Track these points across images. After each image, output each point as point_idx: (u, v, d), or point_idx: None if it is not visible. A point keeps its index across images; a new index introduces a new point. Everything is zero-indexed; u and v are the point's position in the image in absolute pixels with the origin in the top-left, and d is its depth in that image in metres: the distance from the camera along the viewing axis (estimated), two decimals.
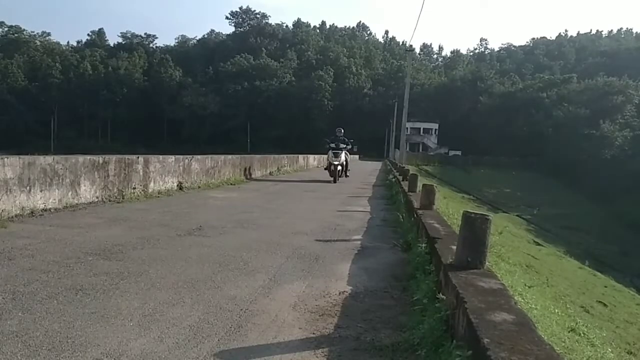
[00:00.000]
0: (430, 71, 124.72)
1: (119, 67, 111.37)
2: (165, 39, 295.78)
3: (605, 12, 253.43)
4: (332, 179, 18.28)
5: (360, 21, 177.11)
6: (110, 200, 9.42)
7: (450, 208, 14.90)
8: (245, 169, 17.75)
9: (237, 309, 3.72)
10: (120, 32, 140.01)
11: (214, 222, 7.67)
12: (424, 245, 5.23)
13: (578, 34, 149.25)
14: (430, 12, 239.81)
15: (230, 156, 16.78)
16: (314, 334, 3.33)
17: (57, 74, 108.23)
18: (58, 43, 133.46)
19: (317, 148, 33.42)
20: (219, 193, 12.62)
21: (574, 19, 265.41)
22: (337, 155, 18.53)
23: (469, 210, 3.70)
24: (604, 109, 78.89)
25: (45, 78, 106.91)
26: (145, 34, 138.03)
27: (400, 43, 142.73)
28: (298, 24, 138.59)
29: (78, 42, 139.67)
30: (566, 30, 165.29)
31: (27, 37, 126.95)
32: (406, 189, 11.55)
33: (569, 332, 6.55)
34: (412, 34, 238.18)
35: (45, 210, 7.70)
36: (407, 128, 50.88)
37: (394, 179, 18.69)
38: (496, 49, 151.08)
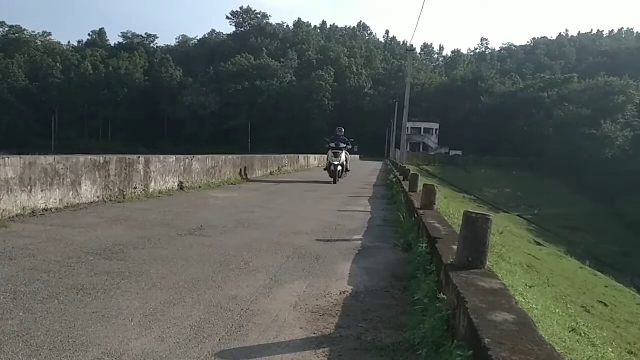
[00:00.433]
0: (431, 71, 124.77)
1: (120, 67, 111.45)
2: (166, 38, 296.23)
3: (606, 12, 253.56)
4: (331, 179, 17.78)
5: (360, 21, 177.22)
6: (111, 200, 9.43)
7: (450, 208, 14.89)
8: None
9: (238, 308, 3.72)
10: (121, 32, 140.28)
11: (214, 222, 7.68)
12: (424, 244, 5.23)
13: (579, 33, 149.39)
14: (431, 12, 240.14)
15: (230, 156, 16.78)
16: (314, 333, 3.33)
17: (57, 73, 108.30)
18: (59, 43, 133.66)
19: (317, 148, 33.45)
20: (220, 193, 12.62)
21: (574, 18, 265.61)
22: (336, 155, 17.96)
23: (470, 210, 3.70)
24: (604, 109, 78.85)
25: (46, 78, 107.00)
26: (145, 33, 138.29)
27: (401, 42, 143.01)
28: (298, 23, 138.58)
29: (79, 41, 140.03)
30: (567, 30, 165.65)
31: (27, 36, 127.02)
32: (407, 188, 11.55)
33: (569, 331, 6.55)
34: (412, 34, 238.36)
35: (46, 209, 7.71)
36: (407, 128, 50.87)
37: (394, 179, 18.69)
38: (497, 48, 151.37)
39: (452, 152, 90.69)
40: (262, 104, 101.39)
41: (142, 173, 10.76)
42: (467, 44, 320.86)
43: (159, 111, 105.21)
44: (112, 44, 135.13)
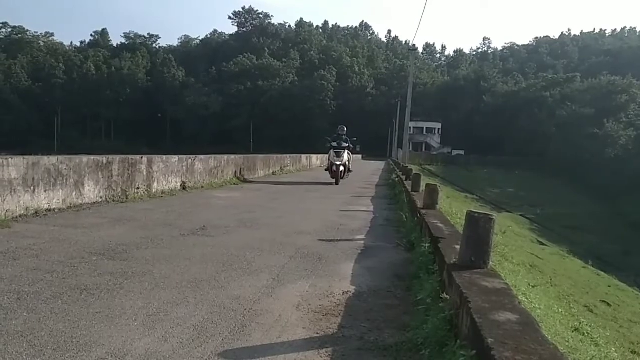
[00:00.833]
0: (434, 71, 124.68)
1: (122, 68, 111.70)
2: (168, 39, 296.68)
3: (609, 11, 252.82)
4: (333, 180, 17.16)
5: (363, 21, 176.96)
6: (114, 200, 9.44)
7: (453, 208, 14.86)
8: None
9: (241, 308, 3.73)
10: (124, 33, 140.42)
11: (217, 222, 7.69)
12: (427, 245, 5.23)
13: (581, 33, 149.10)
14: (433, 12, 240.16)
15: (233, 156, 16.79)
16: (317, 333, 3.33)
17: (60, 74, 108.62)
18: (61, 43, 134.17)
19: (319, 148, 33.45)
20: (222, 193, 12.64)
21: (577, 18, 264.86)
22: (339, 155, 17.21)
23: (473, 210, 3.70)
24: (607, 108, 78.66)
25: (49, 78, 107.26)
26: (148, 34, 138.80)
27: (403, 42, 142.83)
28: (301, 23, 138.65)
29: (81, 42, 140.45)
30: (569, 30, 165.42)
31: (30, 37, 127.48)
32: (409, 188, 11.55)
33: (572, 331, 6.54)
34: (415, 34, 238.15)
35: (50, 210, 7.72)
36: (410, 127, 50.84)
37: (397, 179, 18.66)
38: (499, 48, 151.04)
39: (455, 152, 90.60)
40: (264, 104, 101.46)
41: (145, 173, 10.78)
42: (469, 44, 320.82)
43: (161, 111, 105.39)
44: (115, 45, 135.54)
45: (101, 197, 9.20)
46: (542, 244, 29.91)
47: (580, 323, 7.35)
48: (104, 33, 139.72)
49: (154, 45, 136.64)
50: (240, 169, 16.72)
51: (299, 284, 4.48)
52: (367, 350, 3.09)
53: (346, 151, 17.54)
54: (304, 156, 29.24)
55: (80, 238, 5.96)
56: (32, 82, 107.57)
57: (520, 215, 49.01)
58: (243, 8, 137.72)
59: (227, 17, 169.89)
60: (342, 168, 17.41)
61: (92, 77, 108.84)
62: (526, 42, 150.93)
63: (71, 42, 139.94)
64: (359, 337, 3.31)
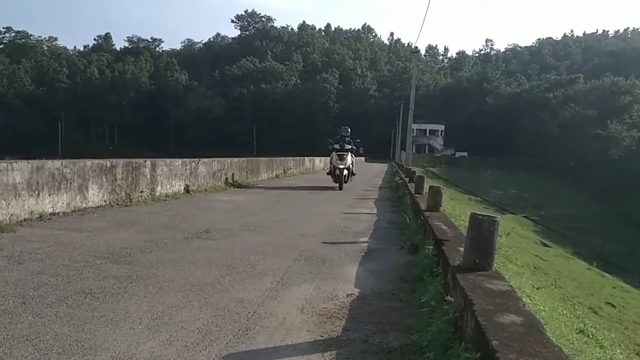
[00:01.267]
0: (436, 72, 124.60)
1: (126, 71, 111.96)
2: (171, 43, 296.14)
3: (612, 12, 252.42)
4: (336, 184, 16.19)
5: (365, 23, 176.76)
6: (118, 204, 9.46)
7: (457, 210, 14.86)
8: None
9: (245, 311, 3.73)
10: (127, 37, 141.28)
11: (221, 225, 7.69)
12: (431, 247, 5.23)
13: (584, 34, 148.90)
14: (436, 14, 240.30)
15: (236, 159, 16.82)
16: (322, 336, 3.33)
17: (64, 78, 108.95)
18: (65, 48, 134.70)
19: (322, 150, 33.49)
20: (226, 196, 12.65)
21: (579, 19, 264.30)
22: (341, 158, 16.15)
23: (476, 212, 3.70)
24: (611, 109, 78.55)
25: (53, 82, 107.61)
26: (151, 38, 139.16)
27: (406, 45, 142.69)
28: (303, 26, 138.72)
29: (85, 46, 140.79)
30: (572, 31, 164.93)
31: (34, 42, 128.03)
32: (413, 190, 11.55)
33: (577, 333, 6.52)
34: (417, 36, 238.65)
35: (54, 214, 7.75)
36: (413, 129, 50.86)
37: (400, 181, 18.65)
38: (502, 49, 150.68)
39: (458, 154, 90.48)
40: (267, 107, 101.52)
41: (148, 177, 10.80)
42: (472, 46, 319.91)
43: (164, 115, 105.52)
44: (118, 49, 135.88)
45: (105, 201, 9.22)
46: (546, 245, 29.83)
47: (585, 325, 7.32)
48: (107, 37, 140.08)
49: (157, 49, 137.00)
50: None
51: (302, 287, 4.48)
52: (371, 353, 3.09)
53: (349, 154, 16.53)
54: (307, 159, 29.27)
55: (85, 242, 5.97)
56: (36, 87, 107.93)
57: (524, 216, 48.90)
58: (245, 11, 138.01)
59: (230, 20, 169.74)
60: (345, 172, 16.35)
61: (96, 81, 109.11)
62: (529, 44, 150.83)
63: (74, 47, 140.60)
64: (363, 339, 3.30)
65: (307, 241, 6.75)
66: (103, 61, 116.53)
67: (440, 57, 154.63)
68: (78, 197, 8.49)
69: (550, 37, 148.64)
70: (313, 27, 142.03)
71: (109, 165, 9.42)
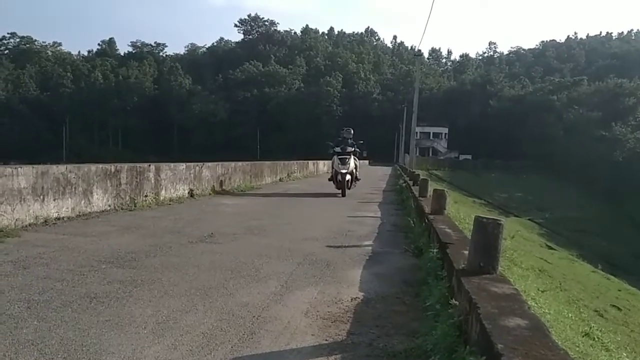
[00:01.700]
0: (440, 75, 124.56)
1: (130, 76, 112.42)
2: (175, 47, 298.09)
3: (615, 14, 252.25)
4: (339, 191, 14.91)
5: (368, 27, 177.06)
6: (122, 208, 9.48)
7: (461, 213, 14.83)
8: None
9: (250, 315, 3.73)
10: (131, 41, 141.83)
11: (225, 229, 7.70)
12: (435, 250, 5.22)
13: (588, 36, 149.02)
14: (439, 17, 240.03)
15: (240, 163, 16.83)
16: (326, 340, 3.33)
17: (68, 83, 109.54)
18: (69, 53, 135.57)
19: (326, 154, 33.53)
20: (230, 200, 12.66)
21: (583, 21, 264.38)
22: (344, 162, 14.90)
23: (481, 215, 3.69)
24: (615, 111, 78.46)
25: (57, 87, 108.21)
26: (155, 42, 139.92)
27: (409, 48, 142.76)
28: (306, 30, 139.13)
29: (89, 51, 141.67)
30: (575, 33, 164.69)
31: (38, 47, 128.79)
32: (417, 194, 11.52)
33: (583, 336, 6.50)
34: (420, 39, 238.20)
35: (59, 218, 7.77)
36: (416, 132, 50.74)
37: (404, 184, 18.62)
38: (505, 52, 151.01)
39: (462, 157, 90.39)
40: (271, 111, 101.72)
41: (153, 181, 10.82)
42: (475, 48, 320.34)
43: (168, 119, 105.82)
44: (122, 54, 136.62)
45: (109, 205, 9.24)
46: (550, 248, 29.72)
47: (590, 328, 7.29)
48: (111, 42, 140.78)
49: (161, 53, 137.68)
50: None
51: (307, 291, 4.48)
52: (376, 357, 3.08)
53: (352, 157, 15.31)
54: (310, 162, 29.27)
55: (89, 246, 5.99)
56: (41, 92, 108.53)
57: (529, 219, 48.80)
58: (249, 16, 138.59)
59: (233, 25, 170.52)
60: (348, 177, 15.17)
61: (100, 85, 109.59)
62: (532, 46, 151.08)
63: (79, 52, 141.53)
64: (367, 343, 3.30)
65: (311, 245, 6.75)
66: (107, 66, 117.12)
67: (444, 60, 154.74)
68: (83, 201, 8.51)
69: (553, 40, 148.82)
70: (316, 31, 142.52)
71: (113, 169, 9.44)
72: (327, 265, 5.52)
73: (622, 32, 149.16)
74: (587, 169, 71.47)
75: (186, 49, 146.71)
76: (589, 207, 59.62)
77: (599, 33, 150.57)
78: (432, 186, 11.14)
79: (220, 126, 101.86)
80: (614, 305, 13.08)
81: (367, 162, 60.45)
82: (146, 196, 10.46)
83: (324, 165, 32.04)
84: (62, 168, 8.14)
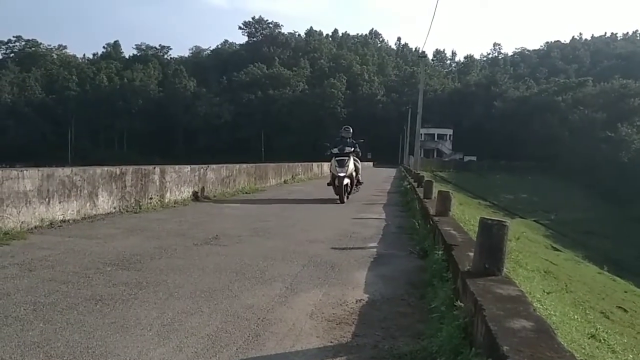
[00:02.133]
0: (444, 77, 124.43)
1: (134, 79, 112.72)
2: (180, 50, 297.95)
3: (620, 14, 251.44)
4: (337, 197, 13.53)
5: (372, 28, 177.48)
6: (127, 211, 9.50)
7: (466, 214, 14.81)
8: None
9: (255, 317, 3.73)
10: (135, 44, 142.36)
11: (230, 231, 7.71)
12: (440, 252, 5.21)
13: (592, 36, 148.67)
14: (443, 18, 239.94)
15: (245, 165, 16.86)
16: (331, 342, 3.33)
17: (73, 86, 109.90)
18: (74, 56, 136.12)
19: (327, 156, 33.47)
20: (235, 202, 12.67)
21: (588, 21, 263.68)
22: (342, 164, 13.43)
23: (486, 217, 3.68)
24: (620, 112, 78.23)
25: (62, 90, 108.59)
26: (159, 45, 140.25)
27: (413, 49, 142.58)
28: (310, 32, 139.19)
29: (94, 54, 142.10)
30: (580, 34, 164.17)
31: (44, 50, 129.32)
32: (421, 195, 11.51)
33: (589, 338, 6.47)
34: (424, 40, 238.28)
35: (64, 221, 7.79)
36: (421, 134, 50.67)
37: (408, 186, 18.60)
38: (510, 53, 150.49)
39: (467, 158, 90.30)
40: (275, 112, 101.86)
41: (157, 183, 10.84)
42: (479, 50, 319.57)
43: (173, 122, 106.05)
44: (127, 56, 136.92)
45: (115, 208, 9.26)
46: (556, 249, 29.63)
47: (596, 330, 7.27)
48: (116, 45, 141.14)
49: (166, 56, 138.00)
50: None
51: (312, 293, 4.48)
52: (381, 359, 3.08)
53: (351, 158, 13.91)
54: (315, 164, 29.27)
55: (95, 249, 6.00)
56: (46, 95, 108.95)
57: (534, 220, 48.69)
58: (253, 18, 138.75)
59: (238, 27, 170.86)
60: (346, 181, 13.59)
61: (105, 88, 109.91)
62: (537, 47, 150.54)
63: (84, 55, 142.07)
64: (373, 345, 3.30)
65: (316, 247, 6.75)
66: (112, 69, 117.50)
67: (448, 62, 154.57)
68: (88, 204, 8.53)
69: (558, 41, 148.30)
70: (320, 33, 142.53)
71: (118, 172, 9.46)
72: (332, 267, 5.51)
73: (627, 33, 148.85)
74: (593, 170, 71.23)
75: (191, 51, 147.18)
76: (595, 208, 59.43)
77: (604, 34, 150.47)
78: (436, 188, 11.13)
79: (224, 128, 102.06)
80: (620, 307, 13.03)
81: (371, 163, 60.50)
82: (151, 198, 10.48)
83: (328, 167, 32.00)
84: (67, 171, 8.16)
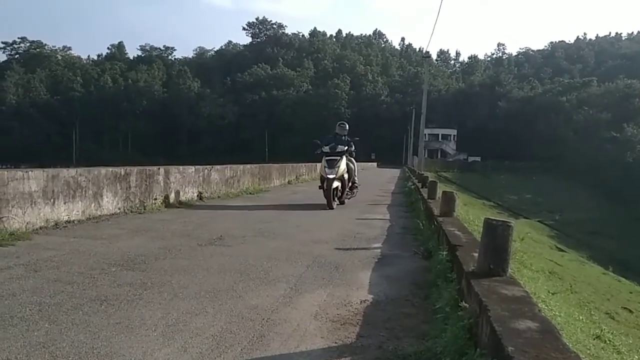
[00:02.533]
0: (448, 77, 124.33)
1: (139, 80, 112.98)
2: (184, 51, 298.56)
3: (625, 14, 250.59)
4: (327, 202, 11.89)
5: (376, 29, 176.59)
6: (132, 211, 9.52)
7: (470, 215, 14.78)
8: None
9: (259, 318, 3.74)
10: (140, 45, 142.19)
11: (234, 232, 7.71)
12: (445, 252, 5.20)
13: (597, 36, 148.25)
14: (447, 18, 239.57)
15: (249, 166, 16.87)
16: (336, 343, 3.33)
17: (78, 87, 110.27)
18: (79, 57, 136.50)
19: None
20: (239, 202, 12.68)
21: (592, 21, 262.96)
22: (332, 165, 11.93)
23: (490, 217, 3.68)
24: (625, 112, 77.98)
25: (67, 91, 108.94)
26: (164, 46, 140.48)
27: (417, 49, 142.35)
28: (314, 33, 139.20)
29: (98, 55, 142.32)
30: (585, 34, 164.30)
31: (48, 51, 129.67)
32: (425, 196, 11.50)
33: (594, 339, 6.46)
34: (428, 41, 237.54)
35: (69, 222, 7.81)
36: (425, 134, 50.67)
37: (412, 186, 18.58)
38: (514, 53, 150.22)
39: (471, 159, 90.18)
40: (279, 113, 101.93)
41: (162, 184, 10.86)
42: (484, 50, 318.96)
43: (177, 122, 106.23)
44: (131, 57, 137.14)
45: (119, 208, 9.29)
46: (561, 250, 29.57)
47: (601, 330, 7.25)
48: (120, 46, 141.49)
49: (170, 57, 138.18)
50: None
51: (316, 293, 4.48)
52: None
53: (344, 158, 12.38)
54: (319, 165, 29.20)
55: (100, 249, 6.02)
56: (51, 96, 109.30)
57: (539, 221, 48.60)
58: (257, 19, 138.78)
59: (242, 28, 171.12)
60: (336, 184, 12.04)
61: (109, 89, 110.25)
62: (541, 47, 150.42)
63: (88, 56, 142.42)
64: (377, 346, 3.29)
65: (320, 247, 6.74)
66: (116, 70, 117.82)
67: (452, 62, 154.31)
68: (93, 204, 8.56)
69: (562, 41, 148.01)
70: (324, 34, 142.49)
71: (123, 173, 9.48)
72: (336, 268, 5.51)
73: (632, 33, 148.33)
74: (597, 171, 71.03)
75: (195, 52, 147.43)
76: (599, 208, 59.25)
77: (608, 33, 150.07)
78: (441, 188, 11.11)
79: (228, 129, 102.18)
80: (625, 308, 13.00)
81: (375, 164, 60.50)
82: (155, 199, 10.50)
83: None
84: (72, 171, 8.18)
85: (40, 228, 7.18)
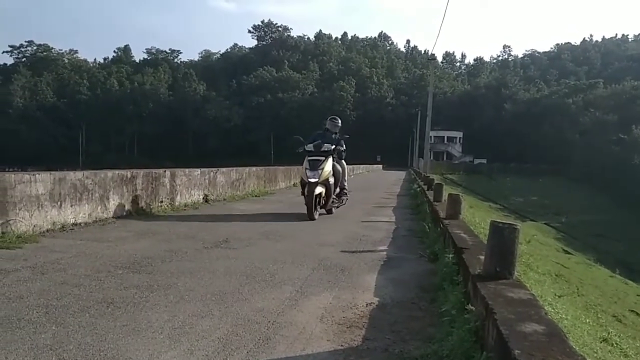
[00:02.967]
0: (454, 79, 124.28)
1: (145, 83, 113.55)
2: (190, 54, 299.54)
3: (631, 16, 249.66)
4: (307, 210, 9.92)
5: (381, 31, 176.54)
6: (138, 214, 9.54)
7: (476, 217, 14.75)
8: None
9: (265, 321, 3.74)
10: (146, 48, 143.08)
11: (239, 234, 7.71)
12: (451, 255, 5.19)
13: (603, 38, 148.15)
14: (453, 20, 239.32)
15: (254, 168, 16.88)
16: (342, 345, 3.32)
17: (84, 90, 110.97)
18: (85, 60, 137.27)
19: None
20: (244, 205, 12.69)
21: (598, 23, 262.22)
22: (314, 167, 9.97)
23: (497, 220, 3.67)
24: (632, 114, 77.66)
25: (73, 94, 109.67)
26: (169, 49, 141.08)
27: (422, 52, 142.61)
28: (320, 35, 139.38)
29: (105, 59, 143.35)
30: (591, 35, 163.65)
31: (55, 55, 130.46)
32: (431, 198, 11.47)
33: (601, 342, 6.43)
34: (434, 43, 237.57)
35: (76, 224, 7.83)
36: (430, 137, 50.60)
37: (418, 189, 18.56)
38: (520, 55, 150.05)
39: (477, 161, 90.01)
40: (284, 116, 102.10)
41: (168, 187, 10.89)
42: (489, 52, 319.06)
43: (183, 125, 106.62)
44: (137, 61, 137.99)
45: (126, 211, 9.31)
46: (567, 252, 29.45)
47: (608, 333, 7.22)
48: (126, 49, 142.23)
49: (176, 60, 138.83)
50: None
51: (322, 296, 4.48)
52: None
53: (329, 159, 10.31)
54: None
55: (106, 252, 6.03)
56: (57, 99, 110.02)
57: (545, 223, 48.42)
58: (262, 22, 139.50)
59: (247, 30, 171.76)
60: (319, 190, 10.04)
61: (116, 92, 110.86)
62: (547, 49, 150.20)
63: (94, 59, 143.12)
64: (383, 348, 3.29)
65: (326, 250, 6.74)
66: (122, 73, 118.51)
67: (458, 64, 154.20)
68: (99, 207, 8.58)
69: (568, 42, 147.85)
70: (329, 36, 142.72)
71: (129, 175, 9.51)
72: (342, 271, 5.51)
73: (639, 34, 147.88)
74: (604, 173, 70.78)
75: (200, 55, 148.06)
76: (607, 211, 58.95)
77: (614, 35, 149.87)
78: (446, 190, 11.11)
79: (234, 131, 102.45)
80: (632, 311, 12.93)
81: (380, 166, 60.46)
82: (161, 202, 10.53)
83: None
84: (79, 174, 8.21)
85: (47, 231, 7.21)
